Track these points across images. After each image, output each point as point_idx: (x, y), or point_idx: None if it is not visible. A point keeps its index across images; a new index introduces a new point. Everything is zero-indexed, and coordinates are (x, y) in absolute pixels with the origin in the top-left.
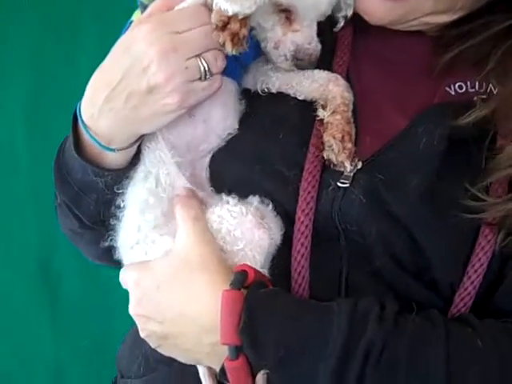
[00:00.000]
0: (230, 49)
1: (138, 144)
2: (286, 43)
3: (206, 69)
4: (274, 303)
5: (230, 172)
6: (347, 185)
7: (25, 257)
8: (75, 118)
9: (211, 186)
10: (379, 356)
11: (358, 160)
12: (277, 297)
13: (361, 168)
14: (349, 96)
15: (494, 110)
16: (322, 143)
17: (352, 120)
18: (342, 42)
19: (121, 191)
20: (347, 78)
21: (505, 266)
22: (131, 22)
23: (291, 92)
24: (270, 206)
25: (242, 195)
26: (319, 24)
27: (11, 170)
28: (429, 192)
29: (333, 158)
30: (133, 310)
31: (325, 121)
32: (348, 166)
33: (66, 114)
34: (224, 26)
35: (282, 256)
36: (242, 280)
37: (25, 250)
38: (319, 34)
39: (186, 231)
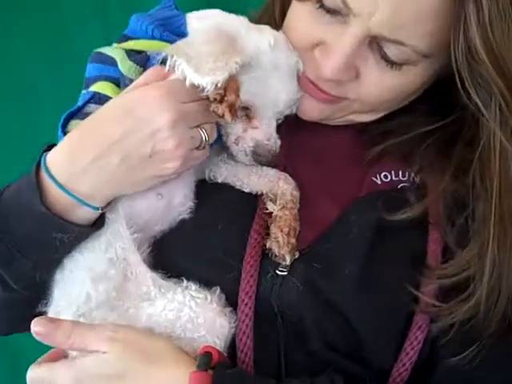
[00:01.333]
0: (229, 119)
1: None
2: (245, 139)
3: (207, 139)
4: (239, 383)
5: (175, 260)
6: (285, 273)
7: None
8: (37, 169)
9: (162, 269)
10: None
11: (296, 250)
12: (240, 377)
13: (298, 257)
14: (297, 194)
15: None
16: (267, 233)
17: (298, 218)
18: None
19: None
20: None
21: (435, 352)
22: (95, 93)
23: (238, 184)
24: (218, 291)
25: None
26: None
27: None
28: (363, 280)
29: (275, 249)
30: None
31: (274, 214)
32: (288, 260)
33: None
34: (221, 98)
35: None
36: (208, 361)
37: None
38: (278, 131)
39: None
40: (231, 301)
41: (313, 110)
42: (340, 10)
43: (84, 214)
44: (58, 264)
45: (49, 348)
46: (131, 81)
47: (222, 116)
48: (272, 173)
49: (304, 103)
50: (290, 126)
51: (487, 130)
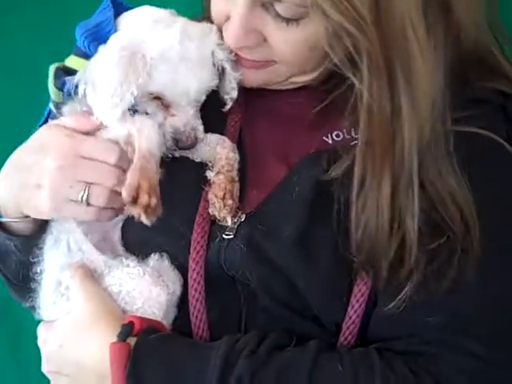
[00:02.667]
0: (146, 220)
1: (37, 221)
2: (165, 126)
3: (85, 198)
4: (159, 348)
5: (134, 234)
6: (231, 236)
7: None
8: None
9: (123, 247)
10: None
11: (242, 213)
12: (163, 341)
13: (244, 220)
14: (233, 156)
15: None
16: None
17: (236, 178)
18: (235, 101)
19: (36, 259)
20: (239, 135)
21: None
22: (50, 111)
23: (190, 155)
24: (167, 261)
25: (145, 254)
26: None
27: None
28: (302, 239)
29: (216, 213)
30: (44, 367)
31: (211, 181)
32: (229, 221)
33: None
34: (134, 200)
35: (182, 304)
36: (128, 331)
37: None
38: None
39: (78, 294)
40: (185, 267)
41: (249, 78)
42: None
43: (18, 225)
44: (30, 262)
45: None
46: (57, 105)
47: (140, 220)
48: (213, 139)
49: (241, 73)
50: (252, 89)
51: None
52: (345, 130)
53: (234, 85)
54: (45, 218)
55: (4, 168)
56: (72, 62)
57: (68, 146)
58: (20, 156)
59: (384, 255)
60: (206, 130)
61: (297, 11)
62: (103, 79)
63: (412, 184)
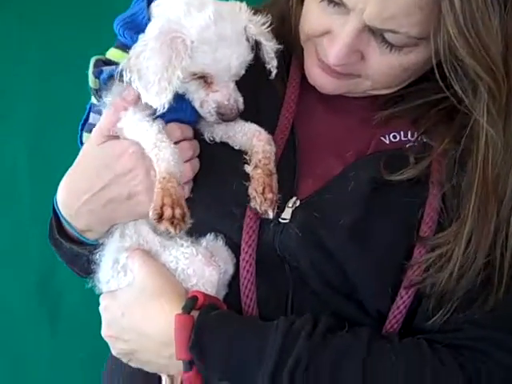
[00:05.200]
0: (174, 232)
1: None
2: (208, 102)
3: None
4: (221, 323)
5: (191, 215)
6: (287, 221)
7: (25, 273)
8: (54, 208)
9: None
10: (305, 369)
11: (297, 199)
12: (224, 317)
13: (299, 206)
14: (270, 149)
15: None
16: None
17: (274, 170)
18: (290, 93)
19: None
20: (292, 127)
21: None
22: (91, 105)
23: (230, 142)
24: (221, 241)
25: (200, 233)
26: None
27: (15, 193)
28: (356, 229)
29: (257, 207)
30: (104, 332)
31: (250, 175)
32: (271, 214)
33: (67, 142)
34: (160, 217)
35: (234, 282)
36: (192, 305)
37: (25, 267)
38: (241, 89)
39: (142, 268)
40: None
41: (328, 85)
42: (341, 2)
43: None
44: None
45: (87, 293)
46: (96, 92)
47: (169, 232)
48: (250, 129)
49: (318, 79)
50: (313, 86)
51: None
52: (402, 132)
53: (272, 54)
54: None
55: (67, 194)
56: (111, 54)
57: (137, 154)
58: (86, 179)
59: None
60: (260, 120)
61: (407, 41)
62: (148, 66)
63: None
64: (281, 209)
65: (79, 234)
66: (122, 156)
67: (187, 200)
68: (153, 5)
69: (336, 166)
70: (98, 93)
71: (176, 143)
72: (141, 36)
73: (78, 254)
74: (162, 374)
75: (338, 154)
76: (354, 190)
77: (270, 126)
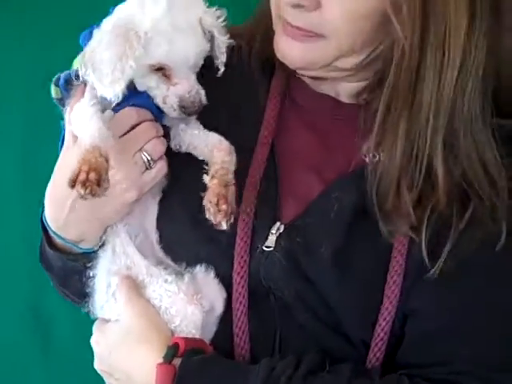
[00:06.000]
0: (83, 194)
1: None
2: (170, 97)
3: (149, 158)
4: (202, 370)
5: (172, 236)
6: (271, 249)
7: (16, 300)
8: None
9: (161, 248)
10: None
11: (281, 224)
12: (205, 363)
13: (283, 231)
14: (229, 159)
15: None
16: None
17: (232, 182)
18: (270, 110)
19: (92, 264)
20: (272, 143)
21: (405, 324)
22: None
23: (195, 153)
24: (212, 273)
25: (186, 259)
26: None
27: (4, 219)
28: (338, 257)
29: (211, 218)
30: (96, 365)
31: (207, 186)
32: (224, 226)
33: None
34: (74, 181)
35: (226, 314)
36: (173, 353)
37: (16, 293)
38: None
39: (127, 306)
40: (227, 280)
41: (294, 53)
42: None
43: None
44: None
45: (80, 319)
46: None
47: (81, 196)
48: (212, 140)
49: (283, 46)
50: (294, 101)
51: None
52: (381, 152)
53: (223, 49)
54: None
55: (51, 207)
56: (76, 64)
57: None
58: (63, 187)
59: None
60: (241, 133)
61: None
62: (102, 59)
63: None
64: (264, 235)
65: (72, 244)
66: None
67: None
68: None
69: (317, 186)
70: (61, 102)
71: (135, 127)
72: (95, 31)
73: (70, 270)
74: None
75: (318, 173)
76: (336, 215)
77: (250, 140)
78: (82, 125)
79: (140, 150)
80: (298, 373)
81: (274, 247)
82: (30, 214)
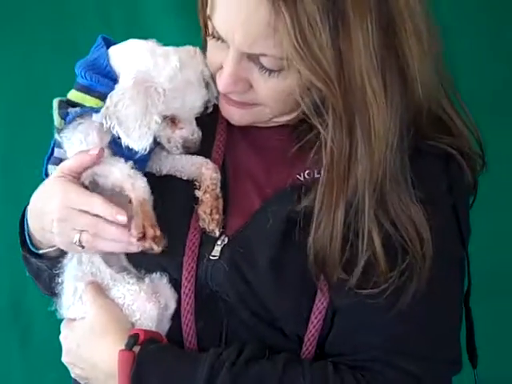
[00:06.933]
0: (157, 249)
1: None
2: (175, 138)
3: (77, 243)
4: (158, 357)
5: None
6: (217, 257)
7: None
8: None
9: (126, 258)
10: None
11: (226, 236)
12: (161, 351)
13: (227, 243)
14: (216, 176)
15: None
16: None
17: (220, 195)
18: (220, 133)
19: (59, 271)
20: (223, 161)
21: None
22: (55, 140)
23: (178, 174)
24: (165, 279)
25: (145, 266)
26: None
27: None
28: (273, 266)
29: (206, 227)
30: (63, 358)
31: (200, 199)
32: (217, 232)
33: (39, 165)
34: (144, 236)
35: (176, 315)
36: (134, 341)
37: None
38: (198, 123)
39: (93, 305)
40: (179, 283)
41: (234, 116)
42: (219, 36)
43: (49, 251)
44: (57, 274)
45: (58, 320)
46: (59, 131)
47: (152, 249)
48: (198, 161)
49: (226, 111)
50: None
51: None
52: (315, 170)
53: (216, 94)
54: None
55: (29, 209)
56: (72, 95)
57: (62, 199)
58: (36, 202)
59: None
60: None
61: (278, 64)
62: (127, 113)
63: (364, 214)
64: (211, 246)
65: (32, 244)
66: (53, 199)
67: None
68: (110, 51)
69: (256, 202)
70: (59, 130)
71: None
72: (117, 85)
73: (40, 266)
74: None
75: (258, 190)
76: (271, 227)
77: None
78: (127, 180)
79: (80, 231)
80: (240, 358)
81: (219, 256)
82: (10, 211)
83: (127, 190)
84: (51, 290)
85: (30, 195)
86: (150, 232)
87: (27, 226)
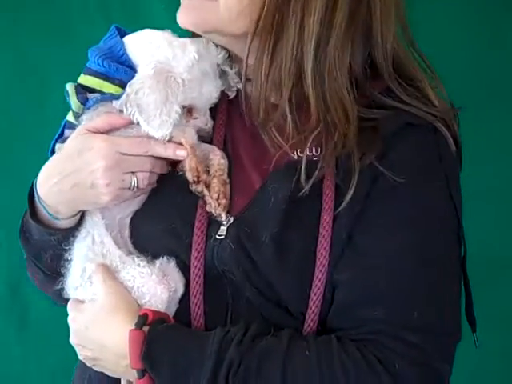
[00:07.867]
0: (209, 195)
1: (79, 214)
2: (189, 127)
3: (135, 184)
4: (168, 336)
5: (141, 232)
6: (223, 236)
7: None
8: (31, 192)
9: (132, 243)
10: (237, 369)
11: (231, 216)
12: (170, 330)
13: (233, 222)
14: (224, 162)
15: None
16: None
17: (228, 181)
18: (219, 118)
19: (68, 247)
20: (224, 146)
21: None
22: (66, 122)
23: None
24: (173, 263)
25: (151, 251)
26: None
27: None
28: (276, 244)
29: (212, 211)
30: (72, 340)
31: (207, 184)
32: (224, 217)
33: (35, 161)
34: (198, 179)
35: (184, 297)
36: (143, 321)
37: None
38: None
39: (102, 287)
40: (187, 265)
41: (186, 16)
42: None
43: (62, 222)
44: (64, 251)
45: (56, 305)
46: (78, 115)
47: (202, 193)
48: (208, 147)
49: (180, 18)
50: (236, 105)
51: None
52: (307, 149)
53: (237, 79)
54: (103, 206)
55: (44, 175)
56: (87, 81)
57: (107, 147)
58: (61, 163)
59: None
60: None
61: None
62: (148, 102)
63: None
64: (218, 226)
65: (51, 215)
66: (90, 150)
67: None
68: (126, 40)
69: (257, 180)
70: (77, 115)
71: None
72: (136, 75)
73: (45, 244)
74: (121, 378)
75: (257, 169)
76: (273, 206)
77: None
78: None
79: (133, 173)
80: (247, 336)
81: (225, 235)
82: (8, 197)
83: (178, 136)
84: (53, 271)
85: (27, 179)
86: (204, 176)
87: (39, 199)
